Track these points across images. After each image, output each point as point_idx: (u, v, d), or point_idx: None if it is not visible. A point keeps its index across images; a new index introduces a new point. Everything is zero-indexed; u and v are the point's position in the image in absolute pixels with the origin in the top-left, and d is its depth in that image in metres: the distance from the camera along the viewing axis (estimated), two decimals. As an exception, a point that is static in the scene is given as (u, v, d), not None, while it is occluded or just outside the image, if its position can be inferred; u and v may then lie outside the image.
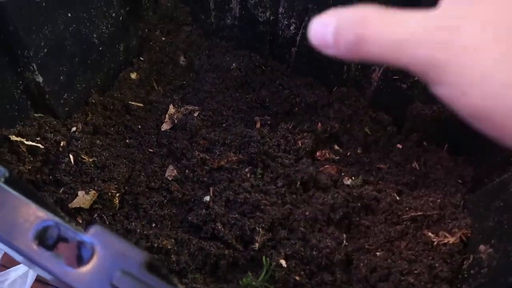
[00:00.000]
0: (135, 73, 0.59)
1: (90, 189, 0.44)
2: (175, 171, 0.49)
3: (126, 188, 0.47)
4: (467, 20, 0.18)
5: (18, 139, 0.44)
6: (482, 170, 0.48)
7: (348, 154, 0.53)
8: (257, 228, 0.42)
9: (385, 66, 0.51)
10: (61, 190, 0.44)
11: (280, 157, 0.49)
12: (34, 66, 0.44)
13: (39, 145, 0.45)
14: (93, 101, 0.53)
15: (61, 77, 0.48)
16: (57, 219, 0.22)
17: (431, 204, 0.45)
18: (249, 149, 0.49)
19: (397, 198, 0.46)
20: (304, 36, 0.55)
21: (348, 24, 0.20)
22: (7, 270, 0.54)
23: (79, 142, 0.48)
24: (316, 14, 0.58)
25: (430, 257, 0.40)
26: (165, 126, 0.54)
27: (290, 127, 0.53)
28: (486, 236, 0.39)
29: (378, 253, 0.41)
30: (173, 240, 0.42)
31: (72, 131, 0.49)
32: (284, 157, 0.49)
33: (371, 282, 0.39)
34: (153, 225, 0.44)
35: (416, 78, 0.50)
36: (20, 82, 0.45)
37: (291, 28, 0.56)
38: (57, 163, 0.46)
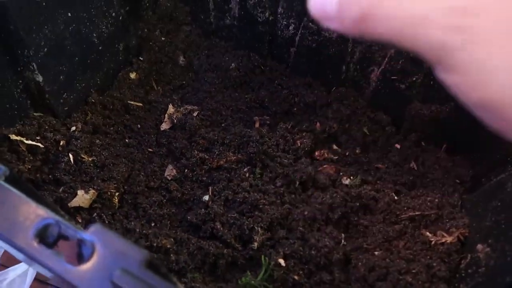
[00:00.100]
0: (135, 73, 0.59)
1: (90, 188, 0.44)
2: (174, 170, 0.49)
3: (125, 187, 0.47)
4: (491, 5, 0.16)
5: (18, 138, 0.44)
6: (480, 170, 0.48)
7: (347, 154, 0.53)
8: (256, 227, 0.42)
9: (383, 67, 0.52)
10: (60, 189, 0.44)
11: (279, 156, 0.49)
12: (34, 66, 0.44)
13: (38, 144, 0.46)
14: (93, 100, 0.53)
15: (61, 77, 0.48)
16: (57, 217, 0.22)
17: (429, 203, 0.45)
18: (248, 149, 0.49)
19: (395, 197, 0.47)
20: (303, 37, 0.55)
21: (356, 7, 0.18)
22: (6, 270, 0.54)
23: (79, 141, 0.48)
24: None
25: (428, 257, 0.40)
26: (164, 126, 0.54)
27: (289, 127, 0.53)
28: (483, 235, 0.39)
29: (376, 253, 0.42)
30: (172, 240, 0.42)
31: (71, 130, 0.49)
32: (283, 157, 0.49)
33: (369, 281, 0.40)
34: (152, 224, 0.45)
35: (414, 78, 0.50)
36: (20, 81, 0.45)
37: (290, 28, 0.57)
38: (56, 162, 0.46)
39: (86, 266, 0.21)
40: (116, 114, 0.54)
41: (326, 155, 0.52)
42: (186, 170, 0.49)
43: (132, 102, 0.56)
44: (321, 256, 0.41)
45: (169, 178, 0.49)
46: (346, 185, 0.48)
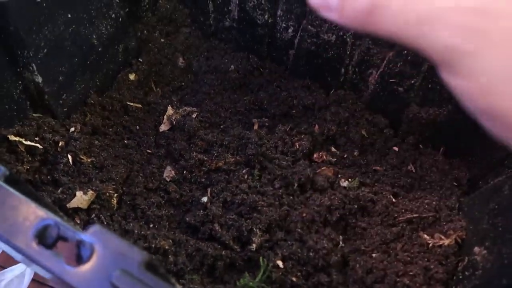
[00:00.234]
0: (134, 74, 0.59)
1: (88, 190, 0.44)
2: (173, 172, 0.50)
3: (124, 188, 0.47)
4: (509, 9, 0.15)
5: (17, 139, 0.44)
6: (477, 173, 0.48)
7: (345, 156, 0.53)
8: (254, 229, 0.42)
9: (382, 69, 0.52)
10: (59, 190, 0.44)
11: (277, 158, 0.50)
12: (34, 66, 0.45)
13: (37, 145, 0.46)
14: (92, 101, 0.53)
15: (60, 78, 0.48)
16: (56, 218, 0.22)
17: (426, 206, 0.45)
18: (247, 151, 0.49)
19: (393, 200, 0.47)
20: (302, 39, 0.56)
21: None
22: (4, 271, 0.54)
23: (78, 142, 0.48)
24: (313, 17, 0.58)
25: (426, 259, 0.41)
26: (163, 127, 0.54)
27: (287, 129, 0.53)
28: (480, 238, 0.39)
29: (374, 255, 0.42)
30: (170, 241, 0.42)
31: (70, 131, 0.49)
32: (282, 159, 0.50)
33: (367, 283, 0.40)
34: (151, 225, 0.45)
35: (413, 81, 0.50)
36: (20, 82, 0.45)
37: (289, 30, 0.57)
38: (55, 163, 0.46)
39: (85, 267, 0.21)
40: (115, 115, 0.54)
41: (324, 157, 0.52)
42: (184, 172, 0.49)
43: (131, 103, 0.56)
44: (319, 258, 0.41)
45: (168, 180, 0.49)
46: (344, 187, 0.48)
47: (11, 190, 0.23)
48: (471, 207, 0.44)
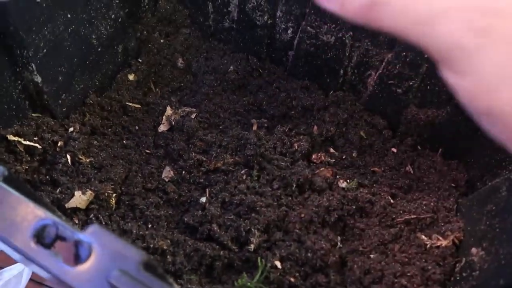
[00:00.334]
0: (133, 75, 0.59)
1: (87, 190, 0.44)
2: (171, 172, 0.50)
3: (122, 188, 0.47)
4: (511, 7, 0.15)
5: (16, 138, 0.44)
6: (475, 175, 0.48)
7: (344, 157, 0.53)
8: (252, 229, 0.42)
9: (381, 71, 0.52)
10: (57, 190, 0.44)
11: (276, 159, 0.50)
12: (33, 66, 0.45)
13: (36, 145, 0.46)
14: (91, 101, 0.53)
15: (60, 78, 0.49)
16: (55, 218, 0.22)
17: (424, 207, 0.45)
18: (246, 151, 0.49)
19: (391, 201, 0.47)
20: (301, 40, 0.56)
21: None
22: (1, 270, 0.54)
23: (76, 142, 0.48)
24: (313, 18, 0.58)
25: (423, 260, 0.41)
26: (162, 128, 0.54)
27: (286, 130, 0.54)
28: (478, 239, 0.39)
29: (372, 255, 0.42)
30: (169, 241, 0.42)
31: (69, 131, 0.49)
32: (280, 160, 0.50)
33: (364, 284, 0.40)
34: (149, 225, 0.45)
35: (411, 83, 0.50)
36: (19, 82, 0.46)
37: (289, 32, 0.57)
38: (54, 163, 0.46)
39: (83, 267, 0.21)
40: (114, 115, 0.54)
41: (323, 158, 0.53)
42: (183, 172, 0.49)
43: (130, 104, 0.56)
44: (317, 259, 0.41)
45: (167, 180, 0.49)
46: (343, 188, 0.48)
47: (10, 189, 0.23)
48: (469, 208, 0.44)
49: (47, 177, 0.45)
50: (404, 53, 0.49)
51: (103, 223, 0.43)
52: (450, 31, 0.15)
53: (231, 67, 0.60)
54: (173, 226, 0.46)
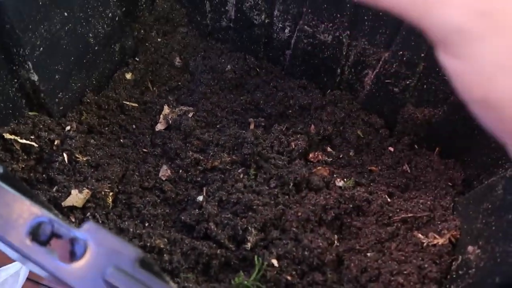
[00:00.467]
0: (130, 74, 0.59)
1: (84, 188, 0.44)
2: (168, 171, 0.50)
3: (119, 187, 0.47)
4: None
5: (12, 137, 0.44)
6: (472, 173, 0.48)
7: (341, 156, 0.53)
8: (249, 228, 0.42)
9: (378, 70, 0.52)
10: (54, 189, 0.44)
11: (273, 158, 0.50)
12: (30, 65, 0.45)
13: (33, 143, 0.46)
14: (88, 100, 0.53)
15: (56, 76, 0.48)
16: (51, 215, 0.22)
17: (421, 206, 0.45)
18: (243, 150, 0.49)
19: (388, 200, 0.47)
20: (299, 39, 0.56)
21: None
22: (-2, 269, 0.53)
23: (73, 141, 0.48)
24: (310, 17, 0.58)
25: (420, 258, 0.41)
26: (159, 126, 0.54)
27: (283, 129, 0.54)
28: (474, 237, 0.39)
29: (368, 254, 0.42)
30: (165, 240, 0.42)
31: (66, 130, 0.49)
32: (277, 158, 0.50)
33: (361, 282, 0.40)
34: (146, 224, 0.45)
35: (408, 82, 0.51)
36: (15, 80, 0.45)
37: (286, 31, 0.57)
38: (50, 162, 0.46)
39: (79, 264, 0.21)
40: (111, 114, 0.54)
41: (320, 157, 0.53)
42: (180, 171, 0.49)
43: (127, 103, 0.56)
44: (314, 257, 0.41)
45: (164, 179, 0.49)
46: (340, 187, 0.48)
47: (5, 187, 0.23)
48: (465, 206, 0.44)
49: (44, 175, 0.45)
50: (401, 52, 0.49)
51: (100, 221, 0.43)
52: (451, 14, 0.15)
53: (228, 66, 0.60)
54: (170, 225, 0.46)
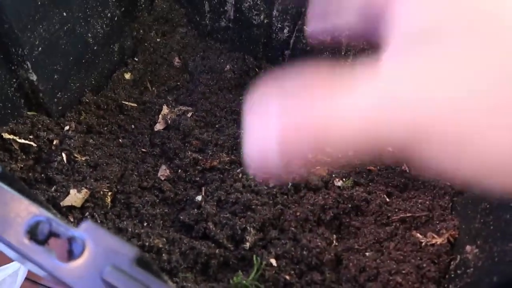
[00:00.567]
0: (129, 74, 0.59)
1: (82, 188, 0.44)
2: (167, 171, 0.50)
3: (118, 187, 0.47)
4: (426, 85, 0.16)
5: (11, 137, 0.44)
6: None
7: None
8: (248, 227, 0.42)
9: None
10: (53, 188, 0.44)
11: (272, 158, 0.50)
12: (28, 64, 0.45)
13: (31, 143, 0.46)
14: (87, 100, 0.53)
15: (55, 76, 0.48)
16: (49, 214, 0.22)
17: (420, 206, 0.45)
18: (242, 150, 0.49)
19: (387, 199, 0.47)
20: (298, 39, 0.56)
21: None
22: (-3, 269, 0.53)
23: (72, 140, 0.48)
24: (308, 17, 0.57)
25: (418, 258, 0.41)
26: (158, 126, 0.54)
27: (282, 129, 0.54)
28: (472, 237, 0.39)
29: (367, 253, 0.42)
30: (164, 239, 0.42)
31: (65, 129, 0.49)
32: (276, 158, 0.50)
33: (360, 281, 0.40)
34: (145, 224, 0.45)
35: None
36: (14, 80, 0.45)
37: (285, 31, 0.57)
38: (49, 162, 0.46)
39: (77, 263, 0.21)
40: (110, 114, 0.54)
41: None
42: (179, 171, 0.49)
43: (126, 103, 0.56)
44: (312, 257, 0.41)
45: (162, 178, 0.49)
46: (339, 186, 0.48)
47: (3, 186, 0.23)
48: (464, 206, 0.45)
49: (42, 175, 0.45)
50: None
51: (99, 221, 0.43)
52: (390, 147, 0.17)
53: (227, 66, 0.60)
54: (169, 225, 0.46)
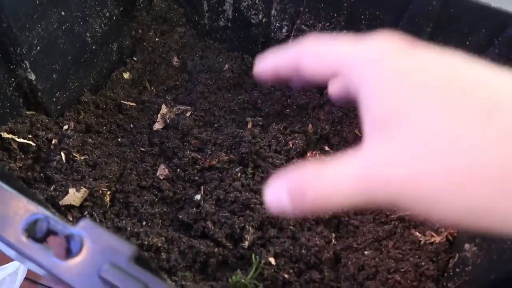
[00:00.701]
0: (128, 73, 0.59)
1: (81, 187, 0.44)
2: (166, 170, 0.50)
3: (117, 186, 0.47)
4: (396, 153, 0.18)
5: (10, 136, 0.44)
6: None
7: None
8: (247, 226, 0.43)
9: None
10: (51, 188, 0.44)
11: (271, 157, 0.50)
12: (27, 64, 0.45)
13: (30, 142, 0.46)
14: (86, 99, 0.53)
15: (54, 75, 0.48)
16: (47, 212, 0.22)
17: (418, 204, 0.45)
18: (240, 149, 0.50)
19: (386, 198, 0.47)
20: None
21: (298, 193, 0.20)
22: (-4, 269, 0.53)
23: (71, 140, 0.48)
24: (307, 16, 0.58)
25: (417, 256, 0.41)
26: (157, 126, 0.54)
27: (281, 128, 0.54)
28: (471, 235, 0.39)
29: (366, 252, 0.42)
30: (163, 238, 0.42)
31: (64, 129, 0.49)
32: (275, 157, 0.50)
33: (358, 280, 0.40)
34: (144, 223, 0.45)
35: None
36: (13, 79, 0.45)
37: (283, 30, 0.57)
38: (48, 161, 0.46)
39: (75, 260, 0.21)
40: (109, 113, 0.54)
41: (317, 156, 0.53)
42: (178, 170, 0.49)
43: (125, 102, 0.56)
44: (311, 255, 0.41)
45: (161, 178, 0.49)
46: (337, 185, 0.48)
47: (2, 185, 0.23)
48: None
49: (41, 174, 0.45)
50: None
51: (97, 220, 0.43)
52: (367, 196, 0.18)
53: (226, 66, 0.60)
54: (168, 224, 0.46)
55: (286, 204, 0.20)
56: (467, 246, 0.39)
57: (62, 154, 0.47)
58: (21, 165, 0.45)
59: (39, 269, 0.22)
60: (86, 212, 0.44)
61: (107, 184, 0.46)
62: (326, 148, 0.54)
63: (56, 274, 0.21)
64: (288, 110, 0.57)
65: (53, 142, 0.47)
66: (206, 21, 0.63)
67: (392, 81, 0.19)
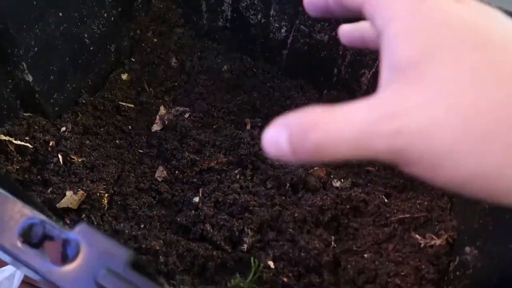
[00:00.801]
0: (126, 74, 0.59)
1: (79, 189, 0.44)
2: (164, 172, 0.49)
3: (115, 188, 0.47)
4: (413, 102, 0.17)
5: (7, 138, 0.44)
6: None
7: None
8: (245, 229, 0.42)
9: (374, 69, 0.52)
10: (49, 190, 0.44)
11: (269, 159, 0.49)
12: (24, 65, 0.44)
13: (27, 144, 0.45)
14: (83, 101, 0.53)
15: (51, 77, 0.48)
16: (43, 217, 0.22)
17: (418, 206, 0.45)
18: (239, 151, 0.49)
19: (386, 200, 0.47)
20: (295, 39, 0.56)
21: (300, 133, 0.18)
22: (-7, 272, 0.53)
23: (69, 142, 0.47)
24: (306, 17, 0.58)
25: (417, 259, 0.41)
26: (155, 127, 0.54)
27: (280, 130, 0.53)
28: (471, 238, 0.39)
29: (365, 255, 0.42)
30: (161, 241, 0.42)
31: (61, 131, 0.49)
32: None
33: (358, 283, 0.40)
34: (142, 226, 0.44)
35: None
36: (10, 81, 0.45)
37: (282, 31, 0.57)
38: (45, 163, 0.46)
39: (71, 266, 0.21)
40: (107, 115, 0.54)
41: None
42: (176, 172, 0.49)
43: (123, 103, 0.56)
44: (310, 258, 0.41)
45: (160, 180, 0.49)
46: (337, 187, 0.48)
47: (-3, 188, 0.23)
48: (462, 207, 0.44)
49: (38, 177, 0.45)
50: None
51: (95, 223, 0.43)
52: (380, 141, 0.17)
53: (225, 67, 0.60)
54: (166, 226, 0.45)
55: (284, 147, 0.19)
56: (467, 249, 0.38)
57: (60, 156, 0.46)
58: (18, 167, 0.44)
59: (35, 275, 0.22)
60: (83, 215, 0.43)
61: (104, 186, 0.46)
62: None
63: (52, 280, 0.21)
64: (287, 111, 0.56)
65: (50, 144, 0.47)
66: (204, 21, 0.63)
67: (429, 24, 0.17)
